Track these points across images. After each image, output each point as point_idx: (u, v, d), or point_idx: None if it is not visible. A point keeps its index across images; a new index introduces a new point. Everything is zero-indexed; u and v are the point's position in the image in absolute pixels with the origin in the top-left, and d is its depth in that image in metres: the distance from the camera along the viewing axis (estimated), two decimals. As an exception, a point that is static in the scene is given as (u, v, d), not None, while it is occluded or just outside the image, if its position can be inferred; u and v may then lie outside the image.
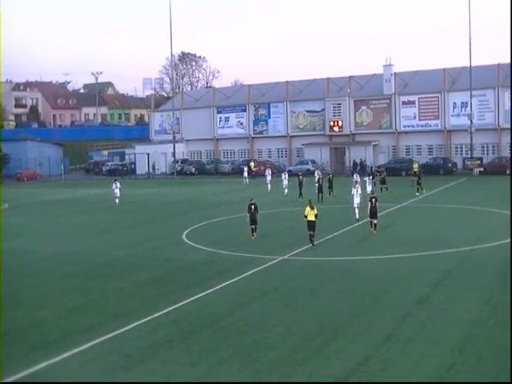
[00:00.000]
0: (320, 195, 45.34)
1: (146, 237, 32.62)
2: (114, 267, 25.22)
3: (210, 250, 27.90)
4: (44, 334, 16.72)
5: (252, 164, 74.22)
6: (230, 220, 37.98)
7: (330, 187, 47.25)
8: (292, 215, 39.09)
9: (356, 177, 44.71)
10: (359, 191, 35.88)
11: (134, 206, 48.11)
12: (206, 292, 20.18)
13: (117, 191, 49.71)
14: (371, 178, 47.68)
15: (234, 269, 23.59)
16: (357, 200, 35.15)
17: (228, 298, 19.47)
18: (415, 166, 60.22)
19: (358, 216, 34.60)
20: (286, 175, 53.04)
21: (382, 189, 48.75)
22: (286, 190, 51.12)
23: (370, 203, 31.09)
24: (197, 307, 18.67)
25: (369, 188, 43.82)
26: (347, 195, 46.66)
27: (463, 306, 17.71)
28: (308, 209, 28.16)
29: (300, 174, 51.85)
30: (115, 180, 52.76)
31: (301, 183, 48.60)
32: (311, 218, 27.91)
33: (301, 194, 47.63)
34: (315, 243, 27.63)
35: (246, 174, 66.67)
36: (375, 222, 31.01)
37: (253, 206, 30.25)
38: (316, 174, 50.54)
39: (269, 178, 56.82)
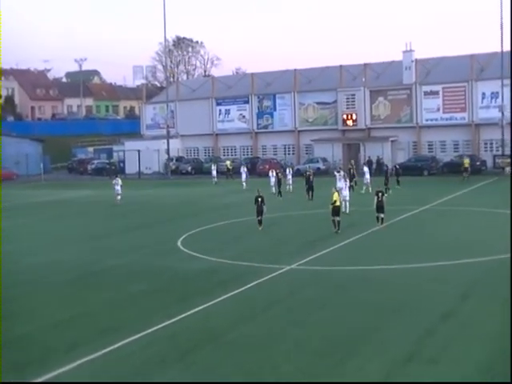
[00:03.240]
0: (310, 193, 48.22)
1: (139, 243, 32.88)
2: (104, 277, 25.49)
3: (208, 258, 28.11)
4: (26, 351, 16.88)
5: (228, 162, 75.84)
6: (231, 225, 38.23)
7: (307, 184, 49.57)
8: (293, 220, 39.72)
9: (340, 172, 46.61)
10: (348, 184, 41.15)
11: (124, 209, 48.37)
12: (205, 305, 20.36)
13: (118, 188, 51.76)
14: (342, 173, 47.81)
15: (235, 279, 23.79)
16: (345, 193, 39.31)
17: (230, 312, 19.66)
18: (466, 161, 61.88)
19: (347, 210, 38.69)
20: (274, 173, 54.85)
21: (386, 189, 49.23)
22: (274, 189, 52.97)
23: (376, 197, 34.18)
24: (195, 321, 18.85)
25: (338, 184, 43.32)
26: (358, 197, 46.93)
27: (492, 321, 17.82)
28: (336, 195, 33.28)
29: (278, 171, 54.81)
30: (116, 176, 55.57)
31: (279, 181, 51.80)
32: (338, 203, 33.16)
33: (279, 192, 50.88)
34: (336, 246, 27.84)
35: (214, 173, 69.15)
36: (382, 216, 34.15)
37: (259, 199, 35.30)
38: (288, 172, 56.81)
39: (244, 176, 60.82)
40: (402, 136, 77.10)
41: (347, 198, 39.72)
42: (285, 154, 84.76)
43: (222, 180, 69.96)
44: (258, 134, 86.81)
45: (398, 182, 55.29)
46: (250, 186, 57.48)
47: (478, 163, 68.91)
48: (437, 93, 75.85)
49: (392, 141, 76.67)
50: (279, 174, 53.15)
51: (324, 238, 31.95)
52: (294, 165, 77.22)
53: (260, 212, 35.40)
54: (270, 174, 55.53)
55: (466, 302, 19.81)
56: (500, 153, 69.44)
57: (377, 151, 74.45)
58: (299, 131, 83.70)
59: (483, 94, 73.44)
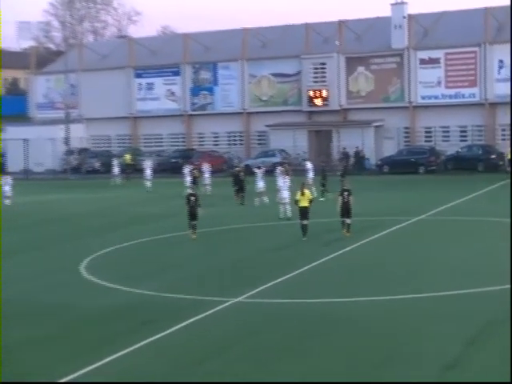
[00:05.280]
0: (241, 195, 51.49)
1: (26, 271, 32.62)
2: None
3: (126, 289, 27.95)
4: None
5: (127, 157, 77.57)
6: (155, 243, 38.35)
7: (235, 185, 52.98)
8: (232, 235, 40.17)
9: (280, 168, 51.50)
10: (288, 183, 44.19)
11: (5, 222, 47.86)
12: (122, 352, 20.19)
13: (7, 189, 54.28)
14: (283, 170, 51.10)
15: (164, 317, 23.73)
16: (285, 194, 43.35)
17: (157, 361, 19.55)
18: (508, 151, 63.51)
19: (289, 214, 42.64)
20: (188, 169, 58.37)
21: (323, 192, 51.90)
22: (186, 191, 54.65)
23: (341, 198, 36.89)
24: (109, 375, 18.72)
25: (260, 184, 50.79)
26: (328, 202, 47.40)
27: (506, 371, 18.03)
28: (299, 193, 36.74)
29: (193, 166, 58.76)
30: (7, 174, 58.47)
31: (195, 179, 55.54)
32: (304, 203, 36.28)
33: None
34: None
35: (116, 170, 72.75)
36: (348, 221, 36.67)
37: (193, 198, 38.17)
38: (206, 169, 59.68)
39: (148, 172, 64.54)
40: (391, 120, 77.76)
41: (287, 201, 43.10)
42: (229, 144, 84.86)
43: (168, 180, 69.90)
44: (192, 118, 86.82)
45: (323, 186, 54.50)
46: (161, 187, 59.97)
47: (493, 156, 69.81)
48: (437, 61, 76.56)
49: (376, 126, 77.33)
50: (194, 171, 56.52)
51: (282, 260, 32.24)
52: (242, 159, 77.48)
53: (193, 215, 37.87)
54: (186, 170, 58.19)
55: (476, 347, 20.07)
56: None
57: (355, 141, 74.77)
58: (249, 113, 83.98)
59: (501, 62, 74.24)
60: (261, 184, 50.38)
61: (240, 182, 51.77)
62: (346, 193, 36.71)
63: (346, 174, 56.62)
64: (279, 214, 43.63)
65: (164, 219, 46.10)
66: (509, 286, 26.05)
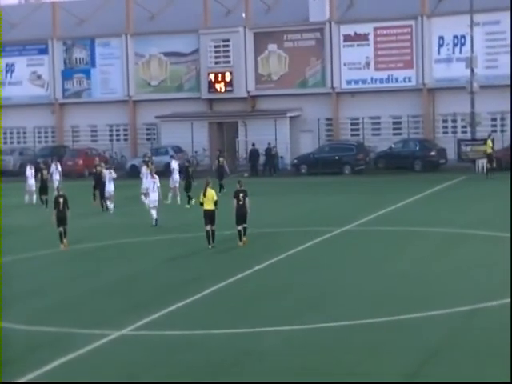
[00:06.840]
0: (103, 202, 52.50)
1: None
2: None
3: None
4: None
5: None
6: (18, 262, 37.82)
7: (96, 188, 54.62)
8: (111, 251, 40.11)
9: (145, 168, 53.54)
10: (157, 183, 45.99)
11: None
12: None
13: None
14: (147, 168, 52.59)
15: (26, 357, 23.28)
16: (154, 196, 45.32)
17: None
18: (489, 142, 64.23)
19: (155, 220, 44.88)
20: (32, 170, 58.74)
21: (188, 197, 52.43)
22: (27, 197, 57.44)
23: (235, 200, 37.65)
24: None
25: (109, 188, 51.98)
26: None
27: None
28: (202, 194, 37.26)
29: (43, 166, 58.11)
30: None
31: (44, 181, 55.53)
32: (210, 206, 37.07)
33: (45, 201, 54.01)
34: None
35: None
36: (245, 226, 37.75)
37: (61, 199, 39.00)
38: (55, 169, 61.75)
39: None
40: (309, 109, 78.10)
41: (156, 204, 45.48)
42: (111, 140, 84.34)
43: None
44: (64, 107, 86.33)
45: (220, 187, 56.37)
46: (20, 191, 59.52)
47: (432, 153, 70.44)
48: (365, 37, 77.09)
49: (292, 117, 77.57)
50: (44, 173, 56.31)
51: (176, 282, 32.13)
52: (126, 158, 77.18)
53: (62, 220, 38.94)
54: (30, 172, 58.56)
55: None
56: (469, 136, 71.02)
57: (266, 135, 74.80)
58: (136, 102, 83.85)
59: (441, 38, 75.05)
60: (110, 187, 51.18)
61: (102, 184, 52.25)
62: (241, 194, 37.38)
63: (223, 175, 58.67)
64: (151, 222, 45.00)
65: (32, 232, 45.58)
66: (444, 311, 26.27)
